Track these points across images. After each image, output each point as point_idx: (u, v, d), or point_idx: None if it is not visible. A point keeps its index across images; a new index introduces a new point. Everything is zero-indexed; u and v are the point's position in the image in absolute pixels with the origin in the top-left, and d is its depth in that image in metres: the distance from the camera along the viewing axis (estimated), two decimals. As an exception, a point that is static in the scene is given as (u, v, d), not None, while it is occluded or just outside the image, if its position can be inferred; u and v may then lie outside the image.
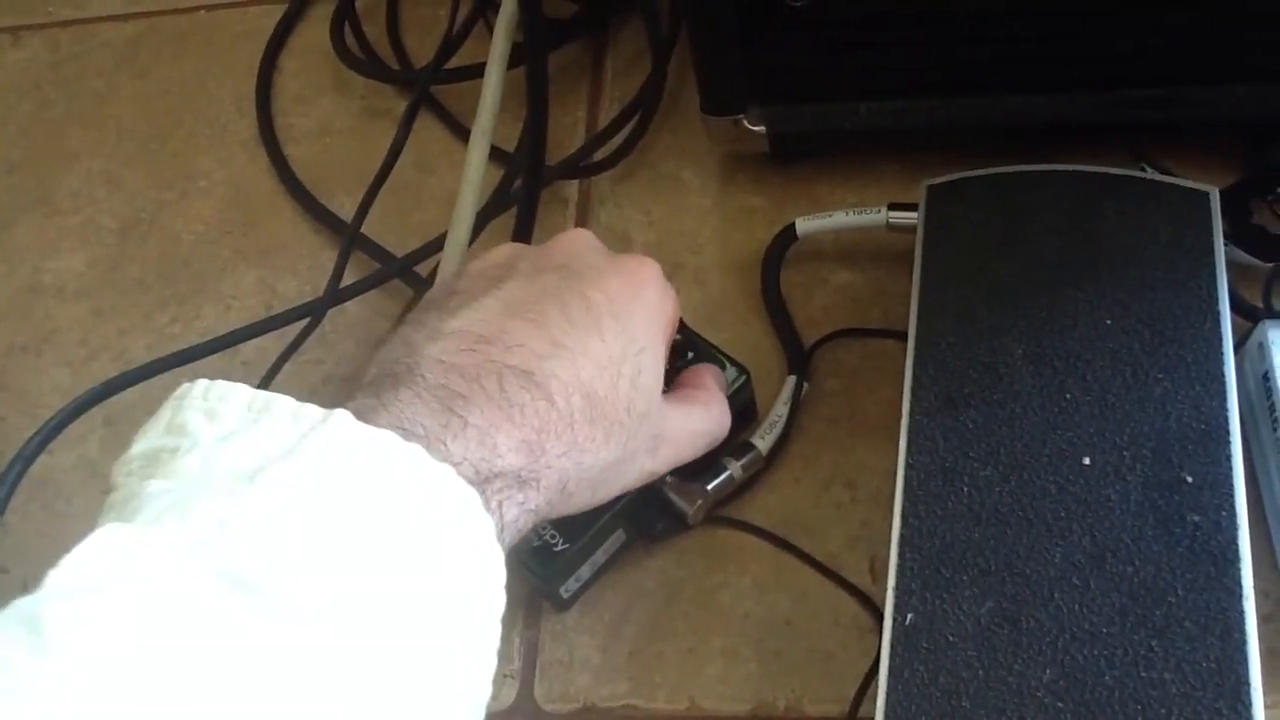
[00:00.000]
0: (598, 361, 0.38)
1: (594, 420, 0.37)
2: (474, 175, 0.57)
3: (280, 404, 0.32)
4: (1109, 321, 0.46)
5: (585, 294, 0.39)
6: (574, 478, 0.38)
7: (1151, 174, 0.52)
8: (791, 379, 0.54)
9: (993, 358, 0.46)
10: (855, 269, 0.59)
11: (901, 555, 0.43)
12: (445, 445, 0.33)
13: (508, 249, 0.43)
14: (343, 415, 0.31)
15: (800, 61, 0.58)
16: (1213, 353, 0.44)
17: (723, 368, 0.51)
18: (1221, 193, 0.55)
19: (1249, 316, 0.52)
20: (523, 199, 0.55)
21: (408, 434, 0.33)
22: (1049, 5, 0.54)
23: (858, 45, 0.56)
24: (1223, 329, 0.45)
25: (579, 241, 0.42)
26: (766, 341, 0.57)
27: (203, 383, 0.33)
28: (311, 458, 0.30)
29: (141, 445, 0.33)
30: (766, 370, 0.55)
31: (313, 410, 0.32)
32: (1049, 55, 0.56)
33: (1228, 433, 0.43)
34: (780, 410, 0.53)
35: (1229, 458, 0.42)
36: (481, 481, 0.34)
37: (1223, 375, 0.44)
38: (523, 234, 0.56)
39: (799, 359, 0.56)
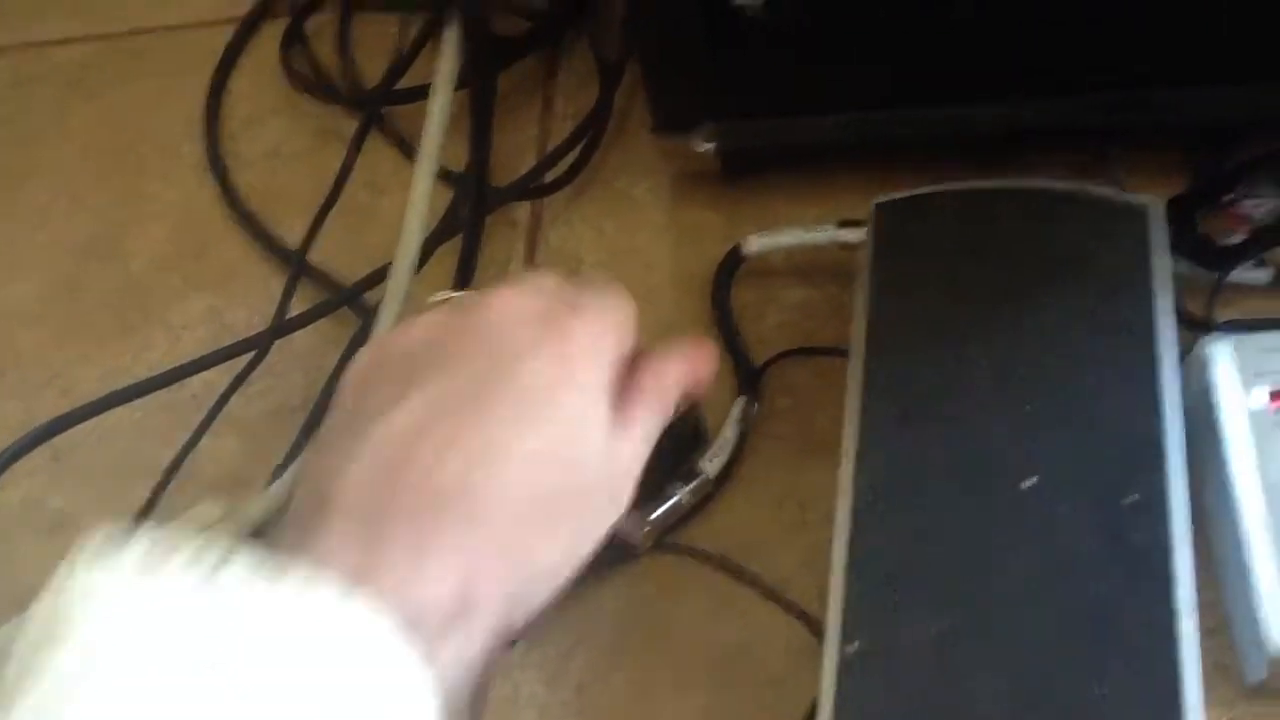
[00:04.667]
0: (538, 454, 0.34)
1: (542, 519, 0.34)
2: (419, 202, 0.57)
3: (177, 559, 0.29)
4: (1054, 340, 0.46)
5: (518, 379, 0.35)
6: (526, 590, 0.34)
7: (1095, 188, 0.52)
8: (741, 399, 0.54)
9: (940, 379, 0.46)
10: (808, 285, 0.59)
11: (847, 579, 0.43)
12: (370, 585, 0.30)
13: (428, 322, 0.38)
14: (240, 569, 0.29)
15: (748, 76, 0.58)
16: (1153, 371, 0.44)
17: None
18: (1168, 203, 0.56)
19: (1196, 327, 0.52)
20: (467, 227, 0.55)
21: (326, 578, 0.30)
22: (999, 15, 0.54)
23: (807, 58, 0.56)
24: (1161, 347, 0.45)
25: (510, 309, 0.37)
26: (721, 361, 0.57)
27: (91, 546, 0.29)
28: (220, 618, 0.27)
29: (26, 634, 0.29)
30: (718, 390, 0.55)
31: (213, 556, 0.29)
32: (999, 64, 0.56)
33: (1165, 451, 0.42)
34: (729, 432, 0.53)
35: (1167, 476, 0.42)
36: (410, 625, 0.30)
37: (1160, 394, 0.44)
38: (468, 260, 0.56)
39: (749, 379, 0.55)
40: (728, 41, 0.55)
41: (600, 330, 0.38)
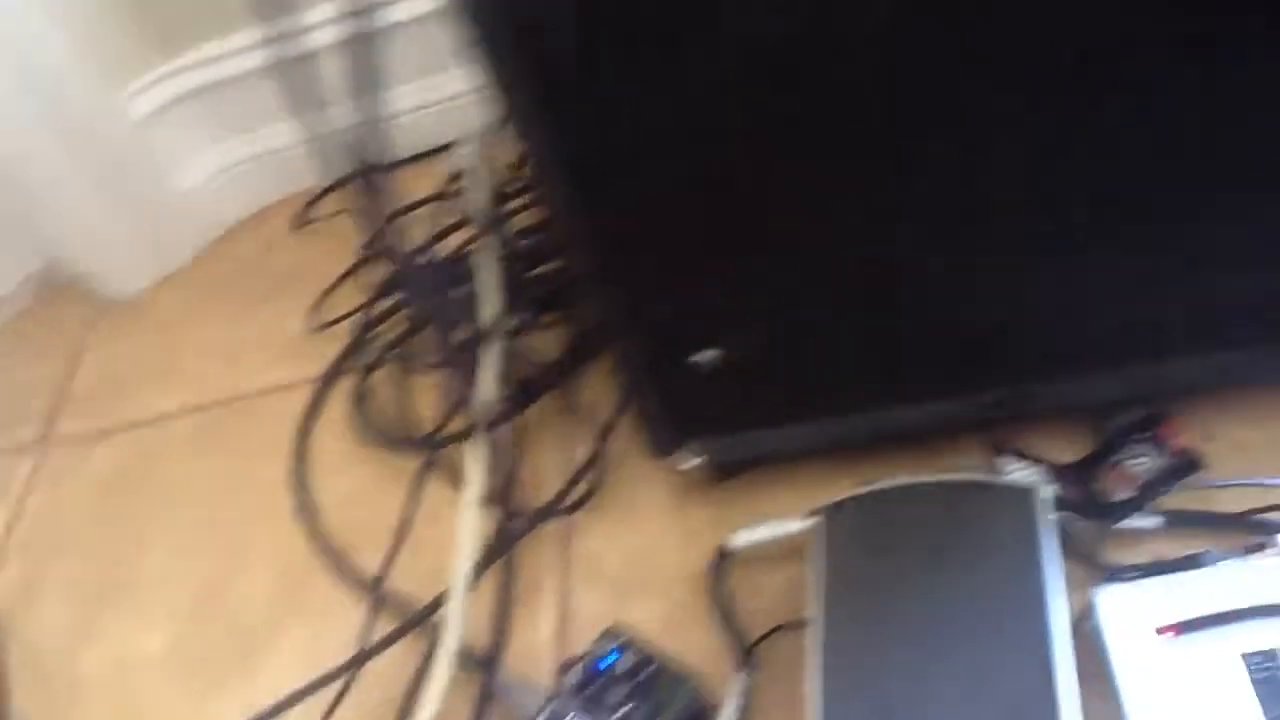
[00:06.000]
0: None
1: None
2: (467, 536, 0.71)
3: None
4: (965, 609, 0.57)
5: None
6: None
7: (990, 477, 0.64)
8: (740, 675, 0.66)
9: (878, 649, 0.58)
10: (788, 567, 0.71)
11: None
12: None
13: None
14: None
15: (716, 406, 0.71)
16: (1041, 626, 0.56)
17: (675, 679, 0.63)
18: (1068, 466, 0.68)
19: (1098, 572, 0.63)
20: (503, 556, 0.69)
21: None
22: (914, 343, 0.67)
23: (760, 390, 0.70)
24: (1048, 605, 0.56)
25: None
26: (720, 641, 0.69)
27: None
28: None
29: None
30: (719, 667, 0.67)
31: None
32: (917, 375, 0.69)
33: (1055, 693, 0.53)
34: (732, 706, 0.64)
35: (1059, 712, 0.53)
36: None
37: (1050, 645, 0.55)
38: (507, 585, 0.69)
39: (746, 656, 0.67)
40: (694, 386, 0.69)
41: None
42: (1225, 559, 0.62)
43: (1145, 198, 0.57)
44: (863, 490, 0.65)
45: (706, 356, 0.67)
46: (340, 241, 1.08)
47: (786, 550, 0.71)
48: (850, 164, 0.57)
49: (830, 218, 0.60)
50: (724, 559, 0.71)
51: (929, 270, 0.61)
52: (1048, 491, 0.62)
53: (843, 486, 0.67)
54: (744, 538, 0.71)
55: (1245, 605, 0.57)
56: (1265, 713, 0.53)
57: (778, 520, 0.70)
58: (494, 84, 0.54)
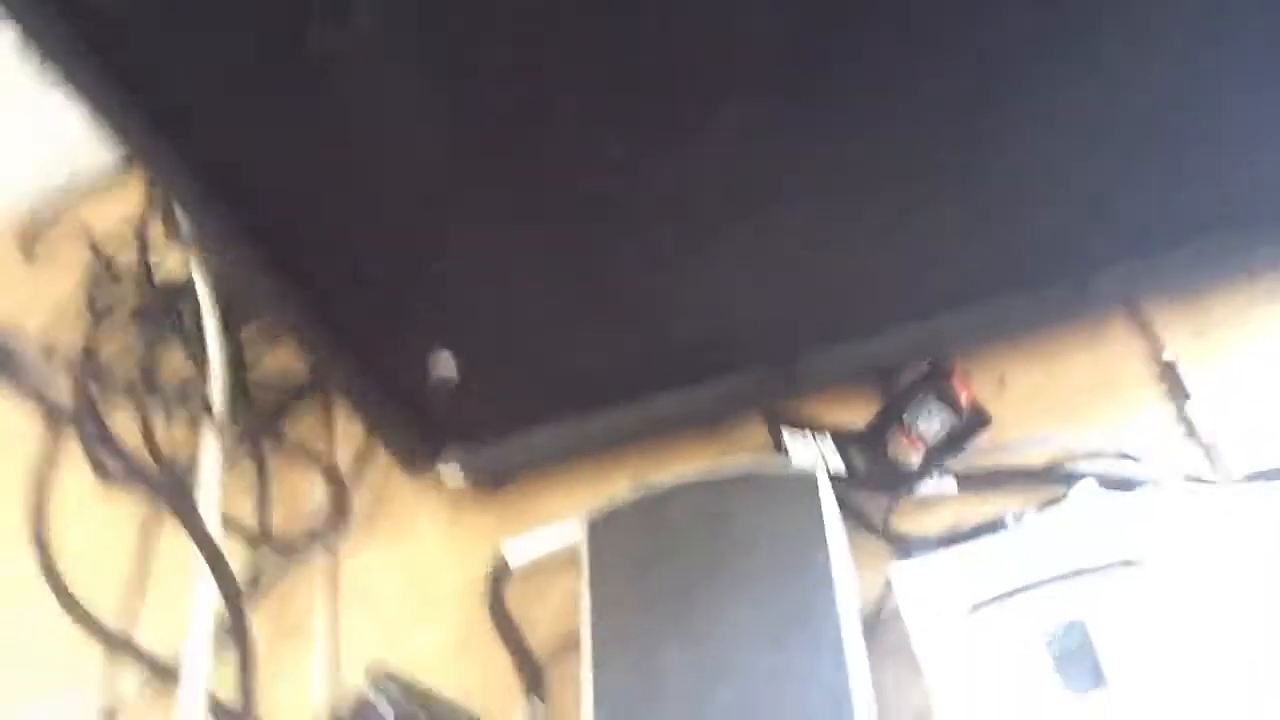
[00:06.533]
0: None
1: None
2: (202, 588, 0.64)
3: None
4: (748, 611, 0.52)
5: None
6: None
7: (767, 468, 0.59)
8: (530, 699, 0.60)
9: (656, 666, 0.52)
10: (572, 573, 0.65)
11: None
12: None
13: None
14: None
15: (463, 418, 0.64)
16: (831, 621, 0.51)
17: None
18: (858, 435, 0.64)
19: (896, 547, 0.59)
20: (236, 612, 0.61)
21: None
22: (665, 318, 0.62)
23: (506, 394, 0.64)
24: (837, 596, 0.52)
25: None
26: (506, 663, 0.62)
27: None
28: None
29: None
30: (507, 692, 0.60)
31: None
32: (679, 359, 0.63)
33: (849, 690, 0.49)
34: (517, 736, 0.58)
35: (852, 712, 0.48)
36: None
37: (840, 641, 0.50)
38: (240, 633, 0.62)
39: (534, 678, 0.61)
40: (435, 405, 0.61)
41: None
42: (1022, 520, 0.59)
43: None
44: (625, 498, 0.59)
45: (445, 369, 0.60)
46: (74, 265, 0.97)
47: (569, 555, 0.65)
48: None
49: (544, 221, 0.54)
50: (501, 574, 0.64)
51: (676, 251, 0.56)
52: (831, 466, 0.57)
53: (621, 482, 0.61)
54: (518, 549, 0.64)
55: (1044, 571, 0.54)
56: (1066, 684, 0.49)
57: (551, 525, 0.64)
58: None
